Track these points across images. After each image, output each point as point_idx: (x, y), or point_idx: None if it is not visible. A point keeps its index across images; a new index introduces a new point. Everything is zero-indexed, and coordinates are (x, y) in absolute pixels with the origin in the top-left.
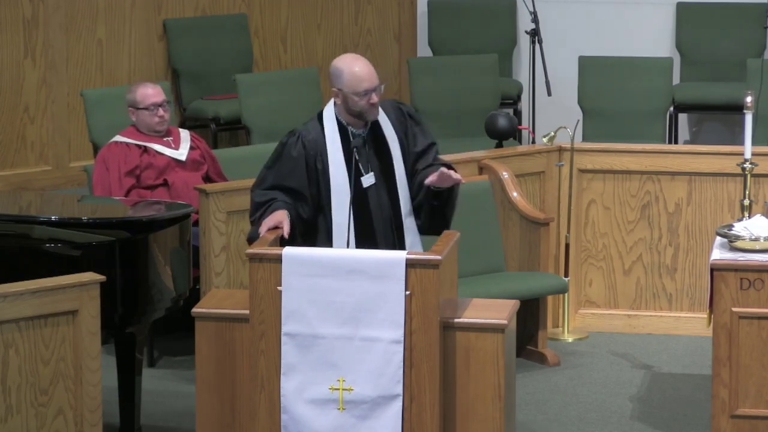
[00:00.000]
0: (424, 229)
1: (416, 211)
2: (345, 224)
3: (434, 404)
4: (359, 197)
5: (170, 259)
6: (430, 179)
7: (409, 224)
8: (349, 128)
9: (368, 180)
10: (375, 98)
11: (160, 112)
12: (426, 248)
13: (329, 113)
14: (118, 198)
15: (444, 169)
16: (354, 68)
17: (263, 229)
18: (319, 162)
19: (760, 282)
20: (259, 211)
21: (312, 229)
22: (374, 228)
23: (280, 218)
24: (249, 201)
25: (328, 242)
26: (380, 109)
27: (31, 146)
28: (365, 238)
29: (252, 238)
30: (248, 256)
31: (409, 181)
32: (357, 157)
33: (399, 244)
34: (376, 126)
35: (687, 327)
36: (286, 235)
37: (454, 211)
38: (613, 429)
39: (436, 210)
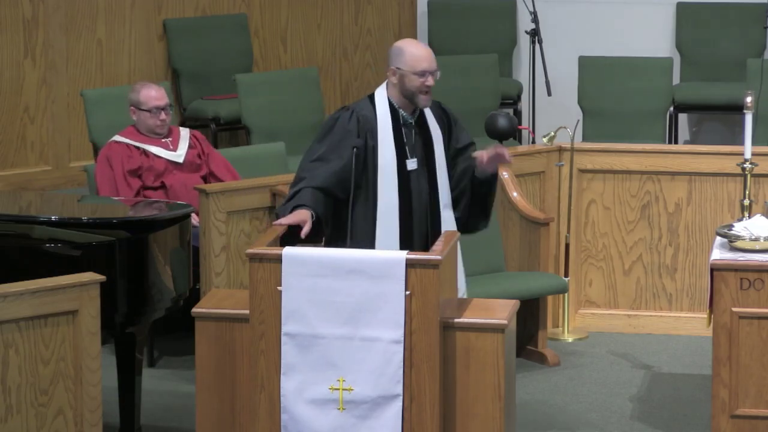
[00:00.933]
0: (463, 222)
1: (455, 203)
2: (391, 204)
3: (434, 404)
4: (403, 179)
5: (170, 259)
6: (481, 154)
7: (446, 216)
8: (400, 111)
9: (412, 164)
10: (431, 81)
11: (162, 115)
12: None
13: (381, 94)
14: (118, 198)
15: (498, 146)
16: (415, 49)
17: (284, 221)
18: (370, 139)
19: (760, 282)
20: (293, 188)
21: (345, 207)
22: (413, 213)
23: (303, 218)
24: (249, 201)
25: (366, 222)
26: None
27: (31, 146)
28: (405, 221)
29: (277, 214)
30: (248, 256)
31: (449, 174)
32: (405, 139)
33: (433, 233)
34: (422, 115)
35: (687, 327)
36: (303, 236)
37: (493, 203)
38: (613, 429)
39: (479, 198)
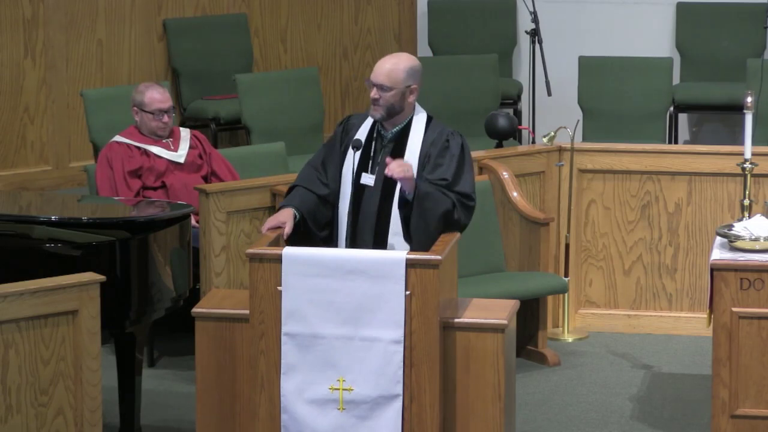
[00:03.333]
0: (413, 242)
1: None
2: (344, 213)
3: (434, 404)
4: (357, 192)
5: (170, 259)
6: (388, 170)
7: (395, 243)
8: (378, 125)
9: (366, 179)
10: (374, 93)
11: (165, 118)
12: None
13: None
14: (118, 198)
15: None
16: (379, 61)
17: (265, 228)
18: (345, 145)
19: (760, 282)
20: (288, 190)
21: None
22: (358, 230)
23: (283, 219)
24: (249, 201)
25: (336, 229)
26: (423, 124)
27: (31, 146)
28: (353, 234)
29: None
30: (248, 256)
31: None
32: (372, 153)
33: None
34: (403, 136)
35: (687, 327)
36: (284, 237)
37: (424, 226)
38: (613, 429)
39: (407, 217)
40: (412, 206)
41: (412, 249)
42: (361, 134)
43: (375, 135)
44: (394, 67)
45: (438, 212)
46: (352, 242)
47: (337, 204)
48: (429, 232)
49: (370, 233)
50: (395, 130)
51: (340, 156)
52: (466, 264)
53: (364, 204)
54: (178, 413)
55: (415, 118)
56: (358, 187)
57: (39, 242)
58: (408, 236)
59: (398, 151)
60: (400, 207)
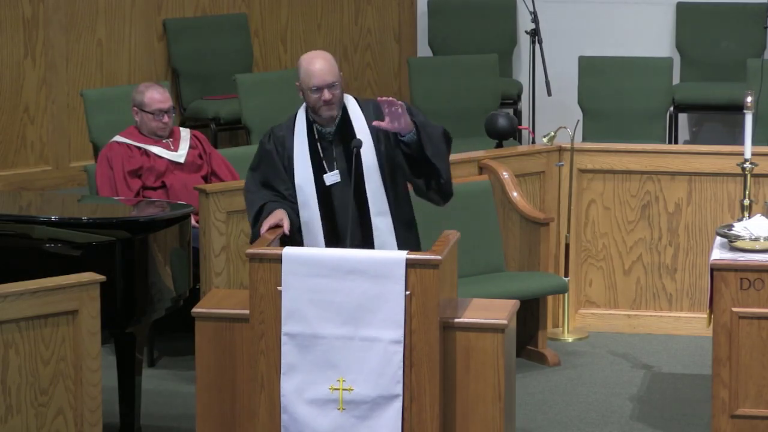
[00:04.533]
0: (421, 186)
1: (410, 181)
2: (312, 221)
3: (434, 404)
4: (323, 195)
5: (170, 259)
6: (375, 123)
7: (380, 224)
8: (315, 126)
9: (331, 178)
10: (327, 95)
11: (165, 118)
12: (400, 247)
13: (302, 111)
14: (118, 198)
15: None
16: (309, 64)
17: (264, 228)
18: (285, 159)
19: (760, 282)
20: (253, 212)
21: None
22: (339, 227)
23: (280, 216)
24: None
25: (294, 241)
26: (357, 107)
27: (31, 146)
28: (333, 236)
29: (254, 239)
30: (248, 256)
31: (388, 177)
32: (321, 154)
33: (366, 243)
34: (346, 124)
35: (687, 327)
36: (287, 232)
37: (438, 150)
38: (613, 429)
39: (416, 158)
40: (415, 144)
41: (418, 184)
42: (300, 141)
43: (316, 136)
44: (329, 62)
45: (439, 132)
46: (334, 241)
47: (299, 214)
48: (443, 153)
49: (354, 223)
50: (336, 122)
51: (281, 169)
52: (466, 264)
53: (336, 200)
54: (178, 413)
55: (346, 104)
56: (323, 190)
57: (39, 242)
58: (391, 213)
59: (349, 141)
60: (403, 154)
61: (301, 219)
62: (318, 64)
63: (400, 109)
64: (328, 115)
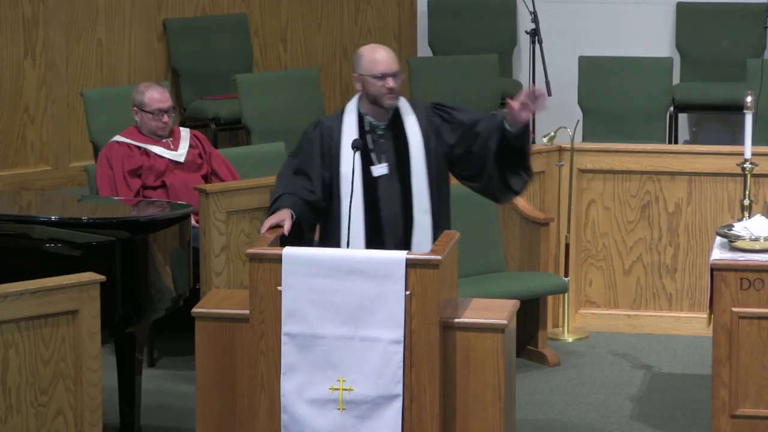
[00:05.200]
0: (499, 186)
1: (476, 176)
2: (355, 211)
3: (434, 404)
4: (368, 186)
5: (170, 259)
6: (512, 103)
7: (422, 221)
8: (367, 117)
9: (379, 170)
10: (391, 83)
11: (165, 118)
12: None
13: (352, 103)
14: (118, 198)
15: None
16: (372, 53)
17: (264, 227)
18: (333, 148)
19: (760, 282)
20: (272, 199)
21: (328, 217)
22: (381, 219)
23: (282, 217)
24: (249, 201)
25: (334, 229)
26: (408, 106)
27: (31, 146)
28: (373, 228)
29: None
30: (248, 256)
31: (435, 176)
32: (371, 146)
33: (406, 240)
34: (397, 120)
35: (687, 327)
36: (286, 233)
37: (530, 152)
38: (613, 429)
39: (515, 153)
40: (522, 135)
41: (490, 187)
42: (351, 132)
43: (368, 128)
44: (392, 53)
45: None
46: (374, 234)
47: (335, 206)
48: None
49: (396, 218)
50: (389, 117)
51: (320, 161)
52: (466, 264)
53: (381, 193)
54: (178, 413)
55: (399, 100)
56: (369, 181)
57: (39, 242)
58: (432, 212)
59: (400, 137)
60: (511, 140)
61: (343, 209)
62: (382, 53)
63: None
64: (389, 104)
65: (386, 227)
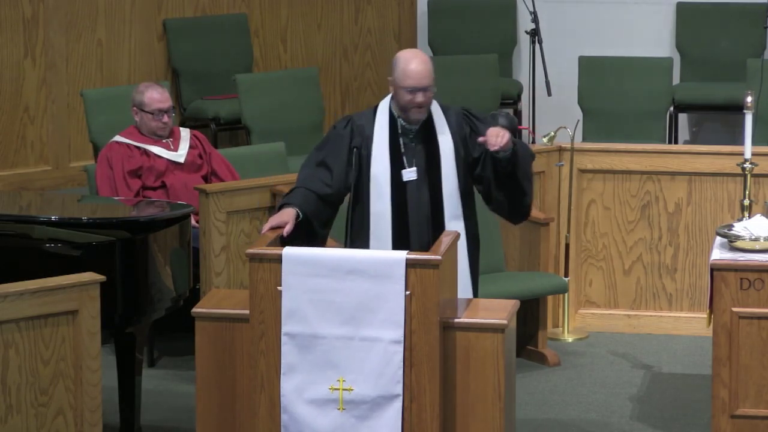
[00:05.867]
0: (508, 210)
1: (488, 197)
2: (383, 214)
3: (434, 404)
4: (398, 190)
5: (170, 259)
6: (481, 139)
7: (455, 227)
8: (399, 120)
9: (409, 174)
10: (420, 98)
11: (165, 118)
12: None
13: (385, 102)
14: (118, 198)
15: (491, 129)
16: (407, 63)
17: (266, 227)
18: (364, 148)
19: (760, 282)
20: (289, 190)
21: (357, 219)
22: (409, 223)
23: (285, 219)
24: (249, 201)
25: (363, 230)
26: (440, 110)
27: (31, 146)
28: (400, 231)
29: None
30: (248, 256)
31: (462, 183)
32: (403, 149)
33: (433, 244)
34: (429, 124)
35: (687, 327)
36: (285, 234)
37: (527, 172)
38: (613, 429)
39: (507, 178)
40: (507, 162)
41: (502, 209)
42: (381, 133)
43: (400, 131)
44: (427, 65)
45: (530, 152)
46: (401, 238)
47: (363, 207)
48: (530, 175)
49: (425, 223)
50: (421, 122)
51: (345, 157)
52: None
53: (410, 197)
54: (178, 413)
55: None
56: (399, 184)
57: (39, 242)
58: (464, 218)
59: (431, 142)
60: (499, 167)
61: (372, 210)
62: (416, 65)
63: (504, 139)
64: (416, 117)
65: (413, 233)
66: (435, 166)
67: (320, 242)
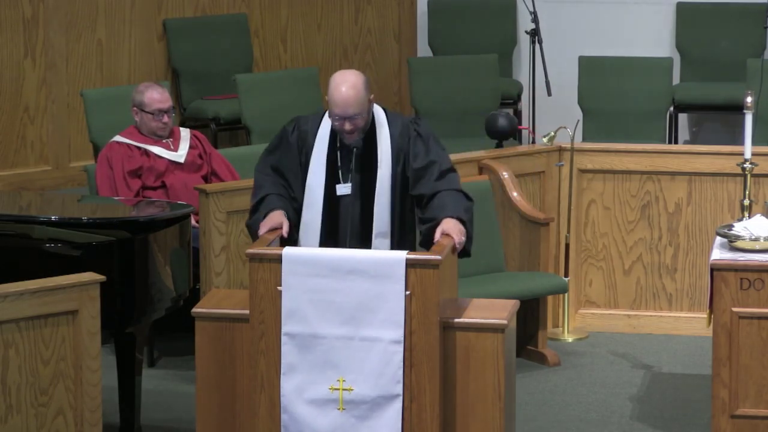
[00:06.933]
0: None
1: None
2: (312, 224)
3: (434, 404)
4: (331, 203)
5: (170, 259)
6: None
7: (380, 245)
8: (339, 135)
9: (343, 189)
10: (348, 126)
11: (165, 118)
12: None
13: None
14: (118, 198)
15: (437, 238)
16: (334, 91)
17: (262, 230)
18: (303, 155)
19: (760, 282)
20: (255, 200)
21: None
22: (339, 237)
23: (279, 221)
24: (249, 201)
25: (294, 238)
26: (385, 122)
27: (31, 146)
28: (328, 244)
29: (249, 227)
30: (248, 256)
31: (398, 199)
32: (339, 163)
33: None
34: (370, 139)
35: (687, 327)
36: (285, 235)
37: (472, 233)
38: (613, 429)
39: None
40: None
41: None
42: (321, 144)
43: (338, 145)
44: (356, 89)
45: (471, 208)
46: (328, 246)
47: (300, 213)
48: (471, 236)
49: (354, 238)
50: (360, 137)
51: (297, 163)
52: (466, 264)
53: (342, 212)
54: (178, 413)
55: (375, 117)
56: (332, 198)
57: (39, 242)
58: (392, 236)
59: (369, 157)
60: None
61: (303, 219)
62: (342, 93)
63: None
64: (348, 141)
65: (341, 246)
66: (370, 182)
67: (292, 245)
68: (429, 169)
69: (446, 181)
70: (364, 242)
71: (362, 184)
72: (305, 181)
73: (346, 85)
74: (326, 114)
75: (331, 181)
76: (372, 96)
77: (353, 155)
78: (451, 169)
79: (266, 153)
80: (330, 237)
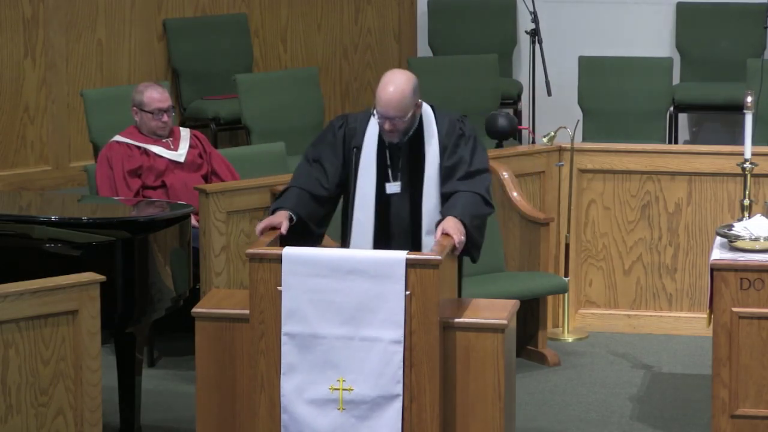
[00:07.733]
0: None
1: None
2: (365, 224)
3: (434, 404)
4: (381, 202)
5: (170, 259)
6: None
7: (429, 243)
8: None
9: (392, 188)
10: (388, 126)
11: (164, 118)
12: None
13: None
14: (118, 198)
15: (438, 237)
16: (380, 90)
17: (258, 228)
18: (347, 151)
19: (760, 282)
20: (285, 187)
21: (343, 224)
22: (390, 236)
23: (279, 221)
24: (249, 201)
25: (347, 236)
26: (432, 119)
27: (31, 146)
28: (380, 242)
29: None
30: (248, 256)
31: (445, 199)
32: (389, 162)
33: None
34: (418, 138)
35: (687, 327)
36: (284, 232)
37: (483, 229)
38: (613, 429)
39: None
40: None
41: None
42: (370, 143)
43: (387, 143)
44: (400, 97)
45: (485, 215)
46: (381, 248)
47: (348, 212)
48: (480, 244)
49: (405, 236)
50: (409, 135)
51: (341, 159)
52: (467, 264)
53: (393, 210)
54: (178, 413)
55: (423, 115)
56: (383, 196)
57: (39, 242)
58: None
59: (417, 155)
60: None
61: (355, 218)
62: (388, 93)
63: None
64: (388, 139)
65: (394, 244)
66: (418, 180)
67: (316, 240)
68: (456, 168)
69: (469, 183)
70: (414, 240)
71: (411, 182)
72: (345, 177)
73: (393, 86)
74: (374, 111)
75: (380, 179)
76: (419, 101)
77: (401, 153)
78: (481, 171)
79: (311, 146)
80: (382, 235)
